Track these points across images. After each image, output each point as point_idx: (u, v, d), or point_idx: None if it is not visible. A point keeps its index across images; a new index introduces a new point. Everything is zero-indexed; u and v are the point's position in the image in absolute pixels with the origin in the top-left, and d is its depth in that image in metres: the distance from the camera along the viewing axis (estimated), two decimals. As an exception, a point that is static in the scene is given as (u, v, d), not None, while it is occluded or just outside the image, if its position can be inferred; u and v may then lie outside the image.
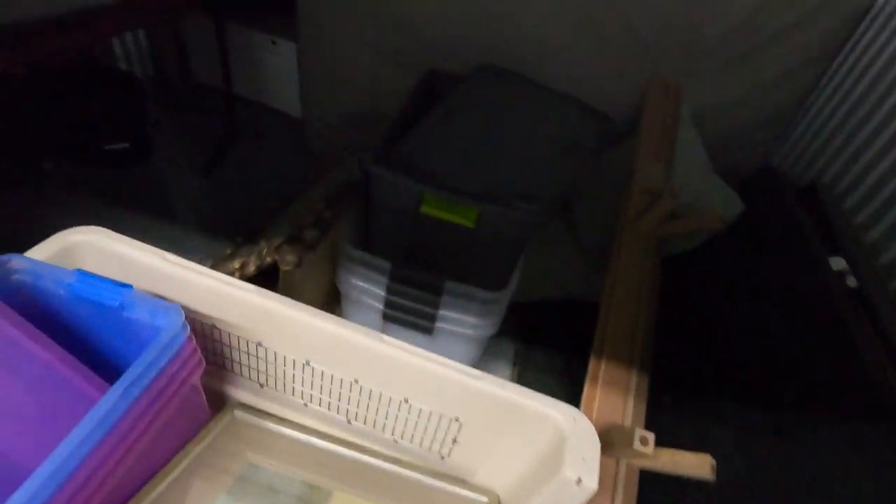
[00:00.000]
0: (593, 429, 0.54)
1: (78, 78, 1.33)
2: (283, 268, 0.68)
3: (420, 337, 0.79)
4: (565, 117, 0.88)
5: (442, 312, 0.76)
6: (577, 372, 1.05)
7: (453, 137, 0.77)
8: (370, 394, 0.66)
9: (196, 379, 0.57)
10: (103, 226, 1.27)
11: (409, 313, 0.76)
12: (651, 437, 0.56)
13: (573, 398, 1.00)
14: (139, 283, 0.66)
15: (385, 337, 0.61)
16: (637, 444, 0.55)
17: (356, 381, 0.65)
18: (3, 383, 0.48)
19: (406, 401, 0.65)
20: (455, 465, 0.69)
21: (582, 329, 1.14)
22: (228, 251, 1.11)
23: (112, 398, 0.41)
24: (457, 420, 0.64)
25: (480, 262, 0.74)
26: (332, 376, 0.66)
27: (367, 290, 0.75)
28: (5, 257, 0.56)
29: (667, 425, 0.80)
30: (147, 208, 1.25)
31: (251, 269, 0.70)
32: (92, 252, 0.65)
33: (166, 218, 1.24)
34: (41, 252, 0.62)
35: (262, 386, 0.71)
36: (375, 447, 0.72)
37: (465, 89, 0.87)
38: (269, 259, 0.71)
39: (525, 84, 0.92)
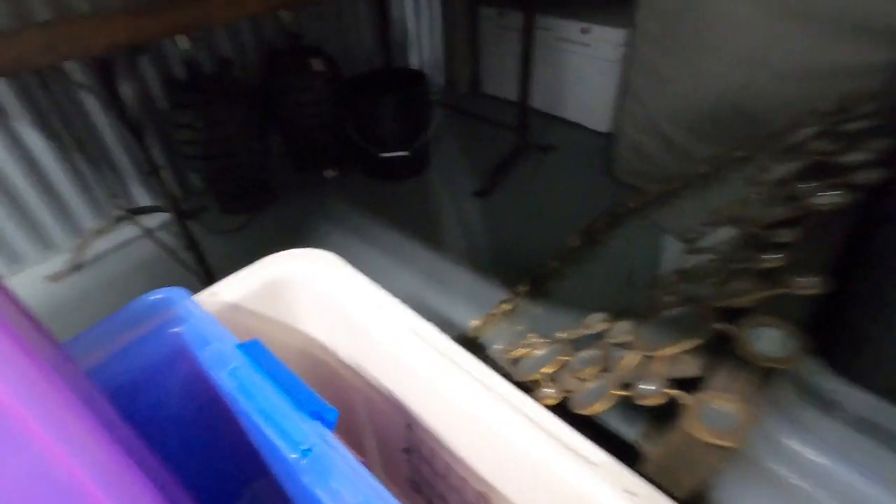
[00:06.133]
0: None
1: (371, 79, 1.25)
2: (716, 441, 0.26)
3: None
4: None
5: None
6: None
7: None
8: None
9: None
10: (361, 246, 1.04)
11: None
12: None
13: None
14: (361, 348, 0.39)
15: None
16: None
17: None
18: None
19: None
20: None
21: None
22: (504, 303, 0.79)
23: None
24: None
25: None
26: None
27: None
28: (164, 292, 0.34)
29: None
30: (414, 228, 1.04)
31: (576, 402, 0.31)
32: (308, 292, 0.40)
33: (433, 241, 1.01)
34: (245, 278, 0.40)
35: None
36: None
37: None
38: (690, 408, 0.28)
39: None
